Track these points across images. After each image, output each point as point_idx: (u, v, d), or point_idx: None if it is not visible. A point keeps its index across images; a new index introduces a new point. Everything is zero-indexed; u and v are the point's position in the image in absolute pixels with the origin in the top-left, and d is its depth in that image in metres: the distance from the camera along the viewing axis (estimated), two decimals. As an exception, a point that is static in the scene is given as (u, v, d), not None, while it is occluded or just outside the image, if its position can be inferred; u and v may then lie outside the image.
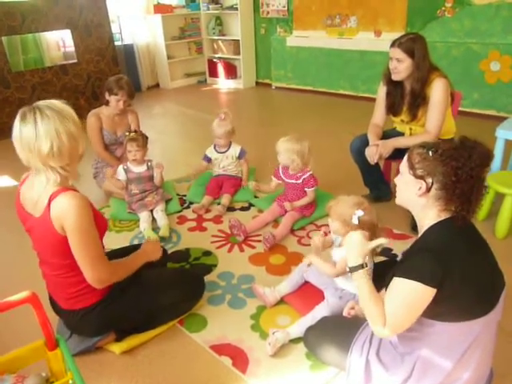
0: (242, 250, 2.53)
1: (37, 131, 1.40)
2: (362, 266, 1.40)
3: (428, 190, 1.28)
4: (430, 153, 1.27)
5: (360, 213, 1.71)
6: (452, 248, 1.25)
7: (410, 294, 1.24)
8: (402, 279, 1.25)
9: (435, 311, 1.25)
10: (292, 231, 2.69)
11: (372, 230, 1.76)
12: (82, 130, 1.51)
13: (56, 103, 1.48)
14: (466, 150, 1.23)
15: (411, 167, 1.31)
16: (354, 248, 1.45)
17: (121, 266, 1.76)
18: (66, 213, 1.46)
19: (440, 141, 1.32)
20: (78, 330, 1.79)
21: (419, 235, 1.36)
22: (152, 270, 1.95)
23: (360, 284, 1.38)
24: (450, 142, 1.30)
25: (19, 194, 1.60)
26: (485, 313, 1.26)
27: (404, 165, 1.36)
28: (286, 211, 2.72)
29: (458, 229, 1.28)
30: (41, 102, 1.47)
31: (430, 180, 1.27)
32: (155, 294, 1.83)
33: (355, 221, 1.72)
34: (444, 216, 1.30)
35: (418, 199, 1.32)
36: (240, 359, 1.76)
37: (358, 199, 1.82)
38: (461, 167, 1.22)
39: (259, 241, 2.57)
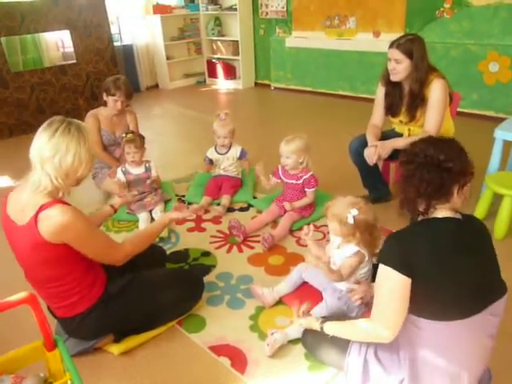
0: (240, 251, 2.53)
1: (51, 138, 1.48)
2: None
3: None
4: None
5: (355, 212, 1.72)
6: (421, 236, 1.29)
7: (385, 279, 1.29)
8: (379, 265, 1.31)
9: (422, 308, 1.27)
10: (291, 232, 2.69)
11: (368, 229, 1.78)
12: (92, 160, 1.58)
13: (86, 128, 1.57)
14: (422, 148, 1.29)
15: None
16: None
17: (138, 237, 1.85)
18: (63, 227, 1.47)
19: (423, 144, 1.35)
20: (77, 334, 1.78)
21: None
22: (150, 270, 1.95)
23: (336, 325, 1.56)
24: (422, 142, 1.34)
25: (6, 203, 1.59)
26: (477, 312, 1.26)
27: None
28: (285, 212, 2.72)
29: (450, 225, 1.29)
30: (74, 120, 1.57)
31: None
32: (154, 295, 1.83)
33: (350, 220, 1.73)
34: (444, 214, 1.31)
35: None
36: (239, 360, 1.76)
37: (353, 199, 1.82)
38: (409, 168, 1.30)
39: (258, 241, 2.57)
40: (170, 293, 1.87)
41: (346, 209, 1.76)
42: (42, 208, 1.47)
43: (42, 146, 1.49)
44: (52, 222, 1.46)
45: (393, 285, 1.26)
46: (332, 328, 1.56)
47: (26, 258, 1.58)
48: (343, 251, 1.84)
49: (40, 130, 1.52)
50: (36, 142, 1.51)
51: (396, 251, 1.27)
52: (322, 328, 1.59)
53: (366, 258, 1.82)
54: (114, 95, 3.04)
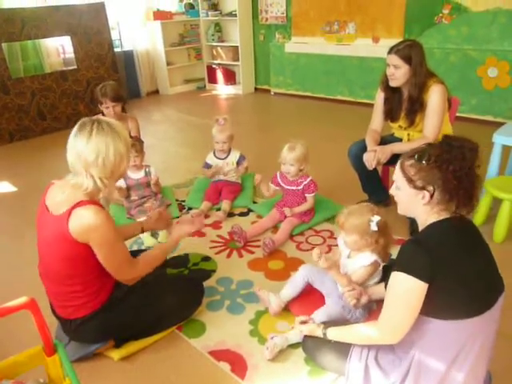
0: (240, 256, 2.53)
1: (88, 140, 1.51)
2: None
3: (431, 197, 1.30)
4: (424, 162, 1.28)
5: (377, 218, 1.72)
6: (444, 243, 1.27)
7: (400, 285, 1.27)
8: (393, 273, 1.29)
9: (429, 307, 1.26)
10: (291, 237, 2.69)
11: (387, 231, 1.79)
12: (129, 152, 1.61)
13: (115, 122, 1.59)
14: (457, 151, 1.25)
15: (409, 181, 1.32)
16: None
17: (150, 257, 1.83)
18: (92, 228, 1.51)
19: (426, 146, 1.33)
20: (77, 337, 1.78)
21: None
22: (151, 276, 1.95)
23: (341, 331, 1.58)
24: (438, 146, 1.30)
25: (46, 192, 1.64)
26: (479, 312, 1.26)
27: (400, 179, 1.36)
28: (285, 217, 2.72)
29: (455, 227, 1.30)
30: (102, 118, 1.61)
31: (431, 188, 1.29)
32: (155, 301, 1.83)
33: (375, 227, 1.72)
34: (444, 216, 1.32)
35: (424, 207, 1.33)
36: (238, 365, 1.76)
37: (367, 206, 1.82)
38: (459, 170, 1.24)
39: (258, 246, 2.57)
40: (171, 299, 1.87)
41: (364, 217, 1.75)
42: (77, 205, 1.51)
43: (81, 149, 1.51)
44: (82, 221, 1.50)
45: (410, 291, 1.25)
46: (335, 333, 1.56)
47: (46, 247, 1.61)
48: (357, 260, 1.83)
49: (72, 134, 1.54)
50: (73, 147, 1.52)
51: (420, 258, 1.24)
52: (325, 334, 1.58)
53: (380, 267, 1.81)
54: (102, 103, 3.05)
